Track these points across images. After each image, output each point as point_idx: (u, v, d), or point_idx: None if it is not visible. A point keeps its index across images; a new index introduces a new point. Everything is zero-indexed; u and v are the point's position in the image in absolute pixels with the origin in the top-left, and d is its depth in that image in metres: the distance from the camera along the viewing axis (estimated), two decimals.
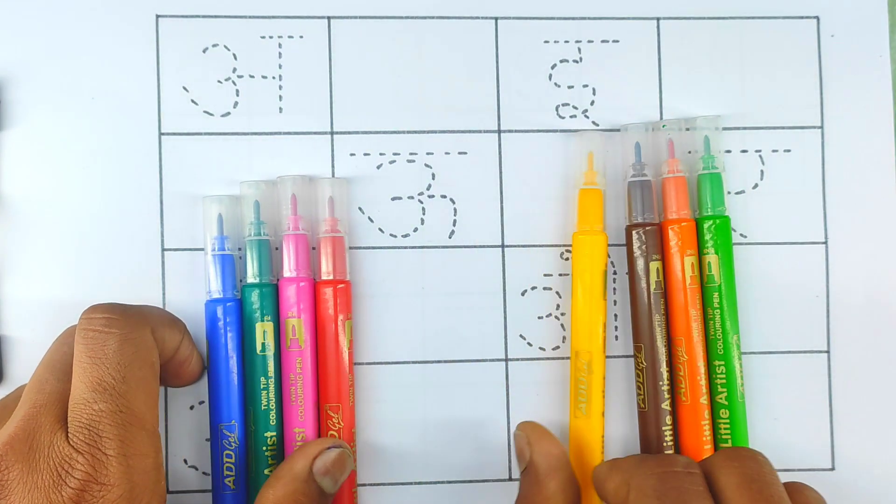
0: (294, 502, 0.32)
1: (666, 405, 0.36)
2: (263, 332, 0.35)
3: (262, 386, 0.35)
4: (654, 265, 0.36)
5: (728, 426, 0.36)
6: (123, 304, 0.32)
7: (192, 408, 0.37)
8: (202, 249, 0.37)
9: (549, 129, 0.38)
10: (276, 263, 0.36)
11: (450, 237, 0.38)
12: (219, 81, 0.37)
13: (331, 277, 0.36)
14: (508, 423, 0.37)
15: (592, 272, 0.36)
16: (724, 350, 0.36)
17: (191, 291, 0.37)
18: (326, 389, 0.35)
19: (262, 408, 0.35)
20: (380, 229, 0.37)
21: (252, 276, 0.36)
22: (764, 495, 0.29)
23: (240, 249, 0.36)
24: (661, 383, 0.36)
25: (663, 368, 0.36)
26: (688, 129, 0.38)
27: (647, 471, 0.30)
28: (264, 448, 0.35)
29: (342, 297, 0.35)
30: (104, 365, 0.30)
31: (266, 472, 0.35)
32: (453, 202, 0.38)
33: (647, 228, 0.36)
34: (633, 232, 0.36)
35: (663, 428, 0.36)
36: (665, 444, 0.36)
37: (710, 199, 0.37)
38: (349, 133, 0.38)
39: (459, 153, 0.38)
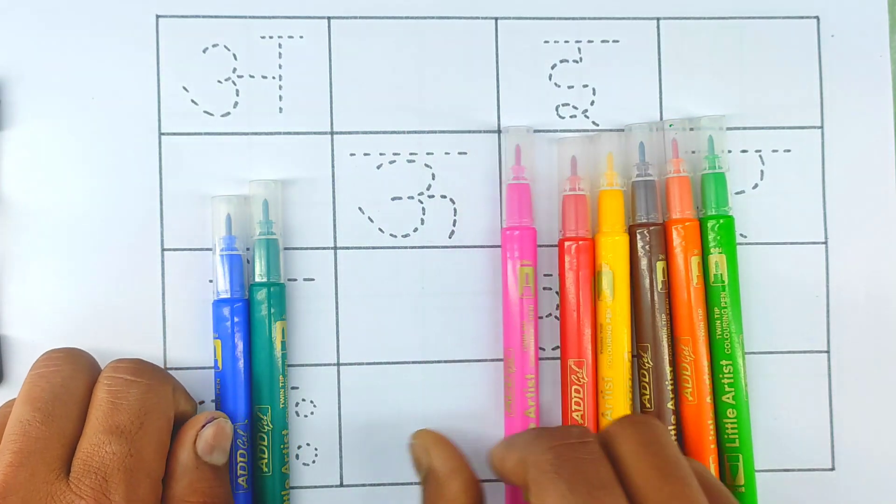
0: (194, 492, 0.32)
1: (670, 405, 0.36)
2: (282, 331, 0.36)
3: (280, 384, 0.35)
4: (660, 265, 0.36)
5: (735, 426, 0.36)
6: (149, 361, 0.33)
7: None
8: (202, 249, 0.37)
9: (549, 129, 0.38)
10: (284, 263, 0.37)
11: (450, 237, 0.38)
12: (219, 81, 0.37)
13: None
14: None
15: (617, 272, 0.36)
16: (730, 350, 0.36)
17: (191, 291, 0.37)
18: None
19: (281, 406, 0.35)
20: (380, 229, 0.37)
21: (259, 275, 0.36)
22: (661, 457, 0.28)
23: (248, 249, 0.36)
24: (665, 383, 0.36)
25: (668, 368, 0.36)
26: (692, 129, 0.38)
27: (543, 446, 0.29)
28: (282, 446, 0.35)
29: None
30: (125, 410, 0.31)
31: (283, 469, 0.35)
32: (453, 202, 0.38)
33: (651, 228, 0.36)
34: (637, 232, 0.36)
35: (668, 427, 0.36)
36: None
37: (715, 199, 0.37)
38: (349, 133, 0.38)
39: (459, 153, 0.38)
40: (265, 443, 0.35)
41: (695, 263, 0.36)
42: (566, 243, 0.36)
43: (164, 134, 0.37)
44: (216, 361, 0.36)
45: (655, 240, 0.36)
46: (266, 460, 0.35)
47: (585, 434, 0.30)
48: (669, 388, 0.36)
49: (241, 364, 0.35)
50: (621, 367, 0.36)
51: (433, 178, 0.38)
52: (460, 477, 0.33)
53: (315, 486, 0.37)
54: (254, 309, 0.35)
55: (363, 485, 0.37)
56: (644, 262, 0.36)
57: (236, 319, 0.35)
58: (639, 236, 0.36)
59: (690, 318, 0.36)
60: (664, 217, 0.37)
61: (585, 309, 0.36)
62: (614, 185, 0.37)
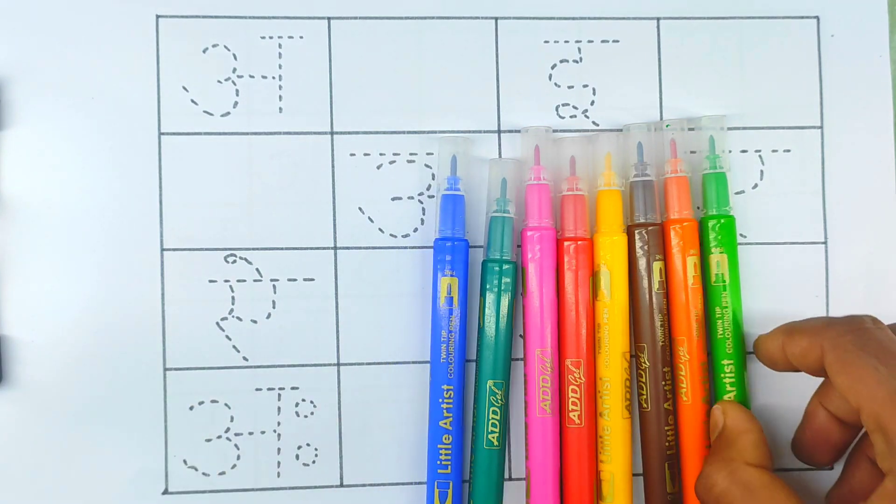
0: None
1: (667, 405, 0.36)
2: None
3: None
4: (658, 265, 0.36)
5: None
6: None
7: (191, 408, 0.37)
8: (202, 249, 0.37)
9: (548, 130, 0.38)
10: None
11: None
12: (219, 81, 0.37)
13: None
14: (508, 422, 0.37)
15: (614, 272, 0.36)
16: (731, 349, 0.36)
17: (190, 291, 0.37)
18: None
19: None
20: (380, 229, 0.38)
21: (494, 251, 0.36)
22: None
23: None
24: (662, 383, 0.36)
25: (665, 368, 0.36)
26: (692, 129, 0.38)
27: (840, 329, 0.31)
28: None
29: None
30: None
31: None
32: None
33: (650, 228, 0.36)
34: (636, 232, 0.36)
35: (665, 428, 0.36)
36: (667, 443, 0.36)
37: (716, 199, 0.37)
38: (349, 133, 0.38)
39: None
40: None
41: (692, 263, 0.36)
42: (565, 243, 0.36)
43: (164, 134, 0.37)
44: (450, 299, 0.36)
45: (653, 240, 0.36)
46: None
47: (877, 321, 0.32)
48: (667, 388, 0.36)
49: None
50: (618, 367, 0.36)
51: (433, 178, 0.38)
52: (752, 435, 0.34)
53: (315, 486, 0.37)
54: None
55: (363, 485, 0.37)
56: (642, 263, 0.36)
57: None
58: (637, 236, 0.36)
59: (687, 318, 0.36)
60: (662, 217, 0.37)
61: (583, 309, 0.36)
62: (612, 186, 0.37)
